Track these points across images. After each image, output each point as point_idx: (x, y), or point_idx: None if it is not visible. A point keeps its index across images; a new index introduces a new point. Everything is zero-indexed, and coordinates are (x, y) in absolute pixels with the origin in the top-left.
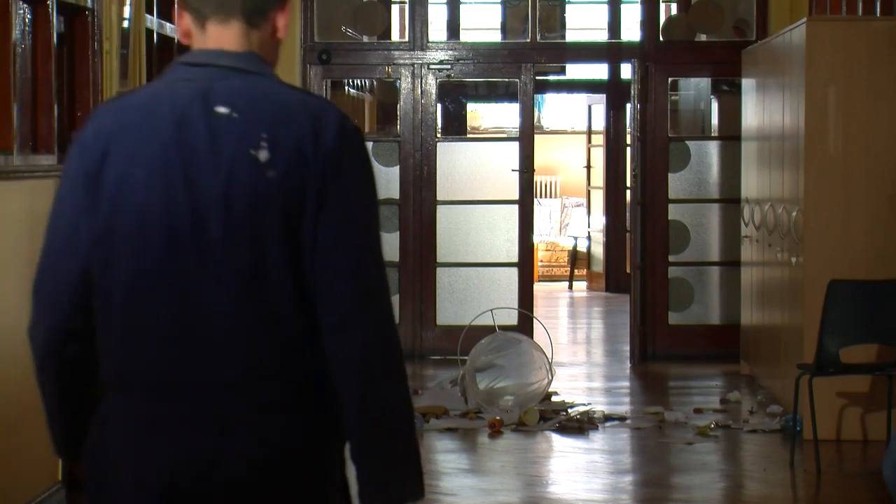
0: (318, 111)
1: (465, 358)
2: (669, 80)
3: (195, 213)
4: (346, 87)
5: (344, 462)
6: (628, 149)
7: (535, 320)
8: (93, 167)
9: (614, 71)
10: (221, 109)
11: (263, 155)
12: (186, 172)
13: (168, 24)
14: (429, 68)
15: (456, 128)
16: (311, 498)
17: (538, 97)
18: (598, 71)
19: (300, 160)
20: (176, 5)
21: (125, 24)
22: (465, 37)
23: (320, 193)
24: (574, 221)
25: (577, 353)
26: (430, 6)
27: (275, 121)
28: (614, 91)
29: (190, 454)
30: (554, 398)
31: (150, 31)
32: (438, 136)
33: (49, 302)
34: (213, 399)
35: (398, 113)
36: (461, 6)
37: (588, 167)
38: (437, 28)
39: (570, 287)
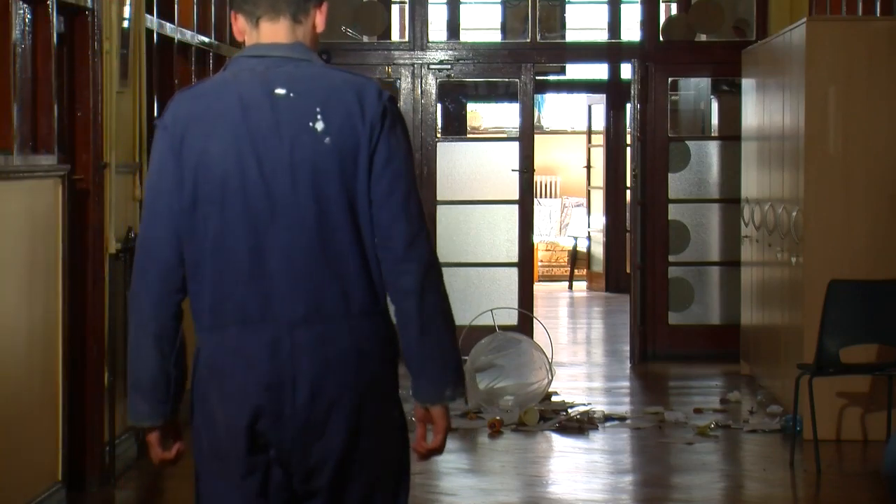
0: (360, 86)
1: (465, 358)
2: (669, 80)
3: (264, 178)
4: None
5: (397, 375)
6: (628, 149)
7: (535, 320)
8: (176, 145)
9: (614, 71)
10: (280, 91)
11: (319, 126)
12: (254, 145)
13: (168, 24)
14: (429, 68)
15: (456, 128)
16: (371, 408)
17: (538, 97)
18: (598, 71)
19: (350, 127)
20: (228, 8)
21: (125, 24)
22: (465, 37)
23: (370, 153)
24: (574, 221)
25: (577, 353)
26: (430, 6)
27: (326, 97)
28: (614, 91)
29: (267, 376)
30: (554, 398)
31: (150, 31)
32: (438, 136)
33: (154, 257)
34: (286, 330)
35: None
36: (461, 6)
37: (588, 167)
38: (437, 28)
39: (570, 287)
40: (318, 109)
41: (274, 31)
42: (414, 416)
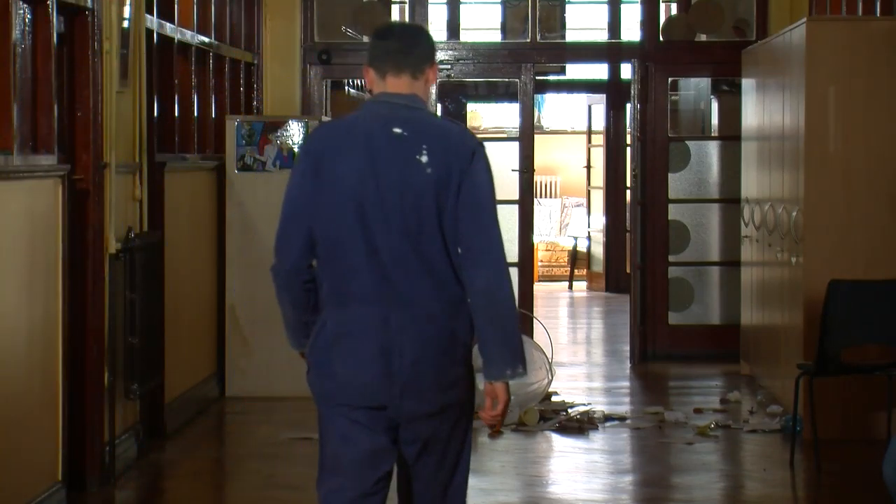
0: (457, 132)
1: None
2: (669, 80)
3: (380, 194)
4: (346, 87)
5: (471, 350)
6: (628, 149)
7: (535, 320)
8: (315, 165)
9: (614, 71)
10: (397, 130)
11: (424, 158)
12: (374, 169)
13: (168, 24)
14: None
15: None
16: (458, 374)
17: (538, 97)
18: (598, 71)
19: (447, 161)
20: (365, 64)
21: (125, 24)
22: (465, 37)
23: (459, 182)
24: (574, 221)
25: (577, 353)
26: (430, 6)
27: (431, 137)
28: (614, 91)
29: (380, 344)
30: (554, 398)
31: (150, 31)
32: None
33: (288, 248)
34: (393, 310)
35: None
36: (461, 6)
37: (588, 167)
38: (437, 28)
39: (570, 287)
40: (424, 146)
41: (397, 84)
42: (483, 391)
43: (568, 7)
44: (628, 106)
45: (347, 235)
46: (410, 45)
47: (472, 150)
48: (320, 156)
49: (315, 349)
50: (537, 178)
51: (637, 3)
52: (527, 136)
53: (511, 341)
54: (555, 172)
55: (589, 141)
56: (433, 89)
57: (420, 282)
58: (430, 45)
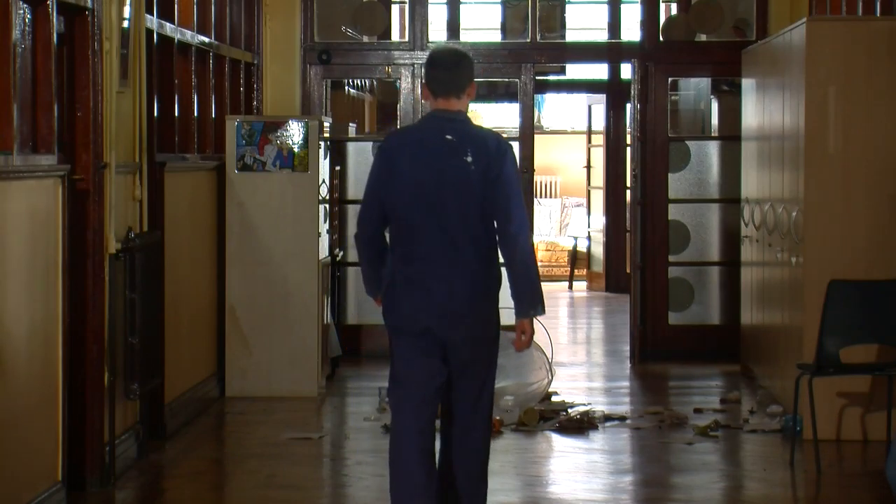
0: (492, 138)
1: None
2: (669, 80)
3: (437, 184)
4: (346, 87)
5: (499, 298)
6: (628, 149)
7: (535, 320)
8: (389, 161)
9: (614, 71)
10: (448, 136)
11: (469, 158)
12: (431, 167)
13: (168, 24)
14: None
15: None
16: (490, 314)
17: (538, 97)
18: (598, 71)
19: (485, 160)
20: (423, 86)
21: (125, 24)
22: (465, 37)
23: (495, 176)
24: (574, 221)
25: (577, 353)
26: (430, 6)
27: (473, 142)
28: (614, 91)
29: (436, 297)
30: (554, 398)
31: (150, 31)
32: None
33: (368, 222)
34: (446, 266)
35: (398, 113)
36: (461, 6)
37: (588, 167)
38: (437, 28)
39: (570, 287)
40: (468, 149)
41: (447, 103)
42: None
43: (568, 7)
44: (628, 106)
45: (415, 213)
46: (455, 73)
47: (503, 151)
48: (393, 154)
49: (388, 294)
50: (537, 178)
51: (637, 3)
52: (527, 136)
53: (534, 288)
54: (555, 172)
55: (589, 141)
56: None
57: (466, 247)
58: (469, 70)
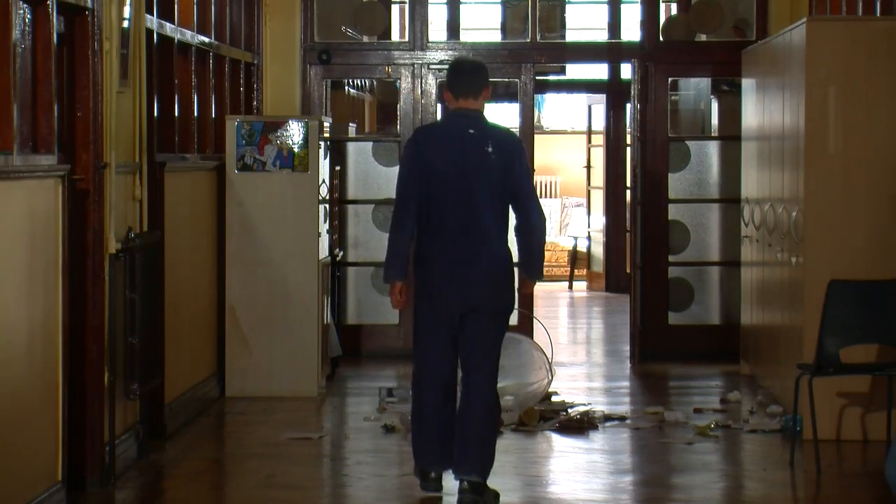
0: (507, 133)
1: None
2: (669, 80)
3: (462, 173)
4: (346, 87)
5: (513, 269)
6: (628, 149)
7: (535, 320)
8: (418, 154)
9: (614, 71)
10: (471, 131)
11: (489, 149)
12: (456, 157)
13: (168, 24)
14: (429, 68)
15: None
16: (507, 277)
17: (538, 97)
18: (598, 71)
19: (504, 151)
20: (445, 89)
21: (125, 24)
22: (465, 37)
23: (512, 164)
24: (574, 221)
25: (577, 353)
26: (430, 6)
27: (492, 136)
28: (614, 91)
29: (462, 262)
30: (554, 398)
31: (150, 31)
32: None
33: (403, 208)
34: (474, 240)
35: (398, 113)
36: (461, 6)
37: (588, 167)
38: (437, 28)
39: (570, 287)
40: (489, 141)
41: (467, 103)
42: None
43: (568, 7)
44: (628, 106)
45: (445, 198)
46: (473, 78)
47: (517, 144)
48: (422, 147)
49: (419, 271)
50: (537, 178)
51: (637, 3)
52: (527, 136)
53: (538, 259)
54: (555, 172)
55: (589, 141)
56: (434, 91)
57: (488, 226)
58: (485, 76)
